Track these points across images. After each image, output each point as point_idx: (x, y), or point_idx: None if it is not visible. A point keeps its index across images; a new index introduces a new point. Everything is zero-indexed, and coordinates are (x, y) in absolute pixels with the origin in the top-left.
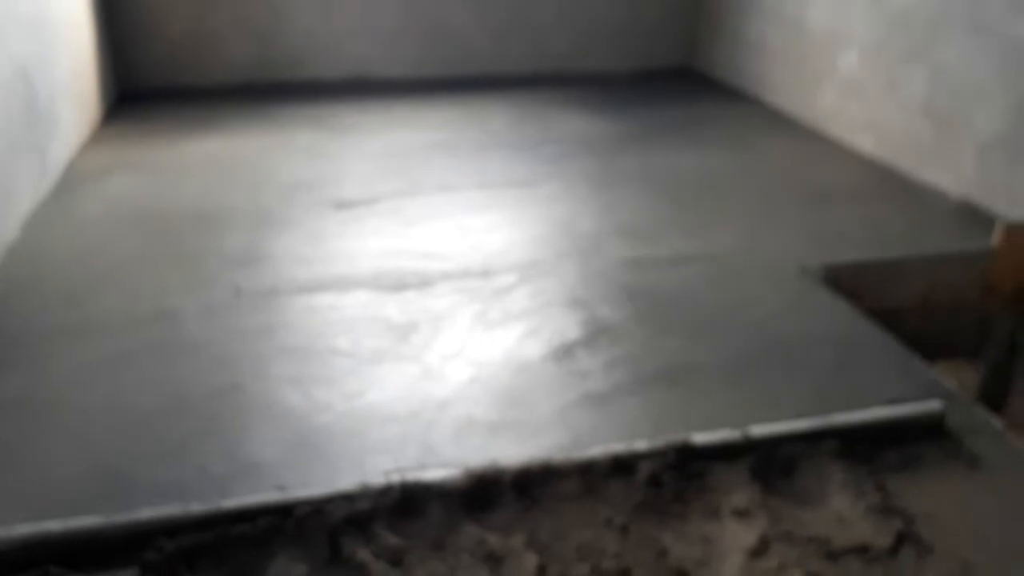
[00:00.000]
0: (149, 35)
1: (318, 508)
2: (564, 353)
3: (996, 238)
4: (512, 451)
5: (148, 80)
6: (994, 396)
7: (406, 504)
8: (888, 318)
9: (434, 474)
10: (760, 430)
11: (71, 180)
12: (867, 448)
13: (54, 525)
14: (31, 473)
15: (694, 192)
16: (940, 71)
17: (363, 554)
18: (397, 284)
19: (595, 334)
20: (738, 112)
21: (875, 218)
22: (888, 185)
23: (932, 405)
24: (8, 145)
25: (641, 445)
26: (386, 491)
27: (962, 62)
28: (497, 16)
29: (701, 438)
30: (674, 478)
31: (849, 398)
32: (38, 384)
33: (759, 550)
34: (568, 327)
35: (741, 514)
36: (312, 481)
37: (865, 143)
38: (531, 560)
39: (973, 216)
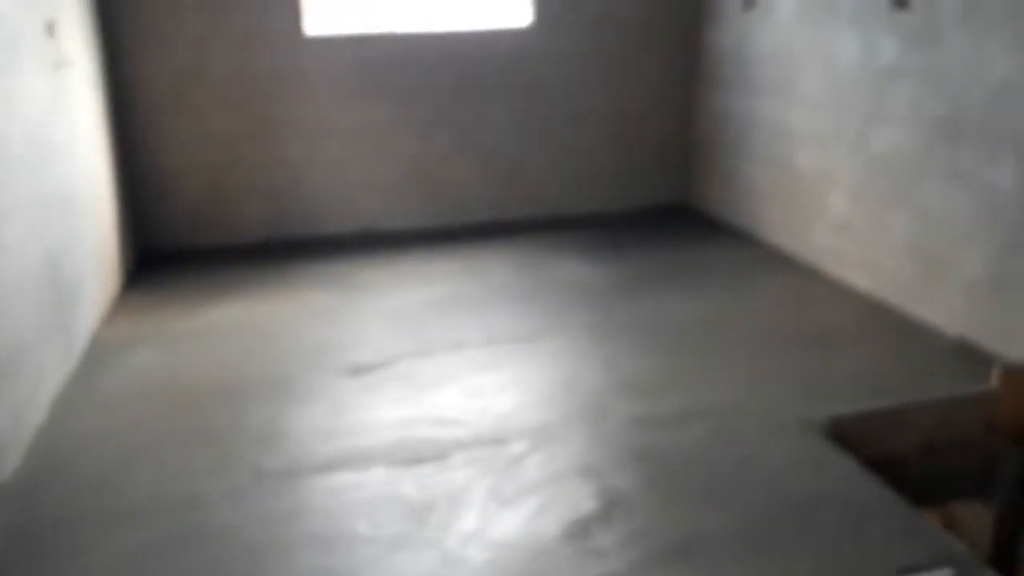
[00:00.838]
0: (167, 198)
1: None
2: (580, 530)
3: (994, 380)
4: None
5: (167, 242)
6: (1008, 533)
7: None
8: (893, 464)
9: None
10: None
11: (95, 354)
12: None
13: None
14: None
15: (692, 340)
16: (923, 214)
17: None
18: (413, 457)
19: (608, 506)
20: (733, 251)
21: (873, 361)
22: (884, 324)
23: (943, 572)
24: (38, 331)
25: None
26: None
27: (943, 205)
28: (496, 167)
29: None
30: None
31: (862, 566)
32: None
33: None
34: (581, 500)
35: None
36: None
37: (860, 281)
38: None
39: (970, 355)
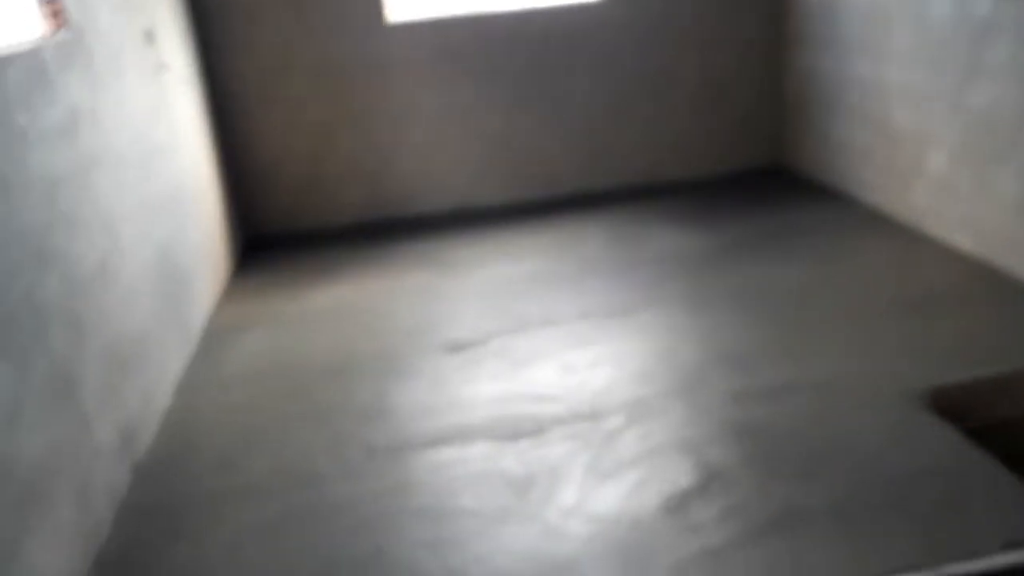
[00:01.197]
0: (268, 187)
1: None
2: (677, 504)
3: None
4: None
5: (270, 228)
6: None
7: None
8: (999, 433)
9: None
10: None
11: (210, 338)
12: None
13: None
14: None
15: (791, 309)
16: None
17: None
18: (513, 432)
19: (706, 481)
20: (830, 213)
21: (978, 327)
22: (990, 286)
23: None
24: (158, 322)
25: None
26: None
27: None
28: (582, 139)
29: None
30: None
31: (964, 541)
32: (203, 554)
33: None
34: (679, 474)
35: None
36: None
37: (963, 241)
38: None
39: None
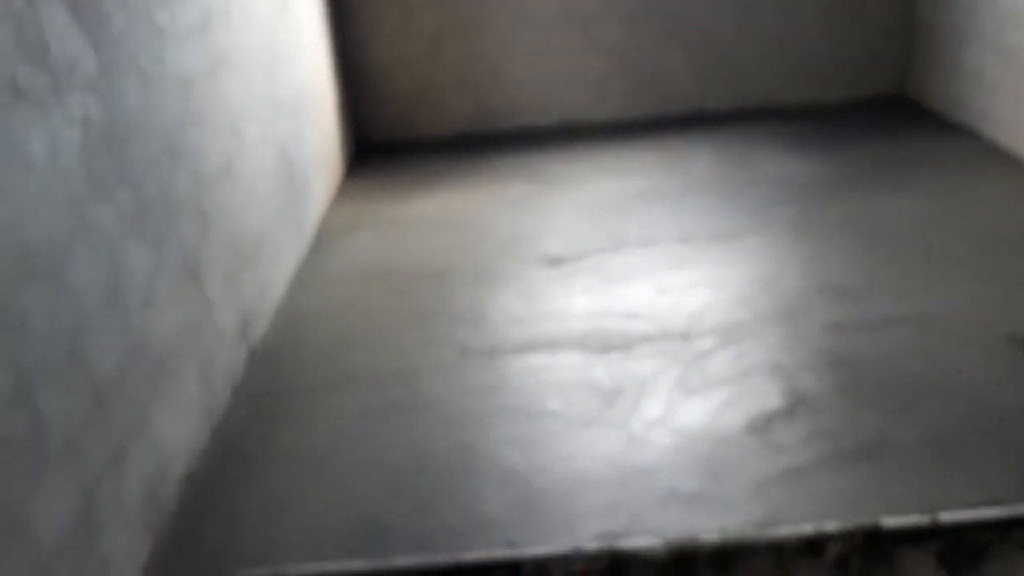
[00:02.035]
0: (381, 93)
1: (541, 566)
2: (763, 424)
3: None
4: (710, 523)
5: (381, 133)
6: None
7: (614, 569)
8: None
9: (638, 543)
10: (950, 516)
11: (322, 238)
12: None
13: (332, 565)
14: (306, 519)
15: (904, 243)
16: None
17: None
18: (603, 346)
19: (794, 405)
20: (954, 148)
21: None
22: None
23: None
24: (276, 221)
25: (831, 526)
26: (597, 556)
27: None
28: (703, 54)
29: (890, 522)
30: (862, 560)
31: None
32: (305, 437)
33: None
34: (768, 397)
35: None
36: (534, 539)
37: None
38: None
39: None
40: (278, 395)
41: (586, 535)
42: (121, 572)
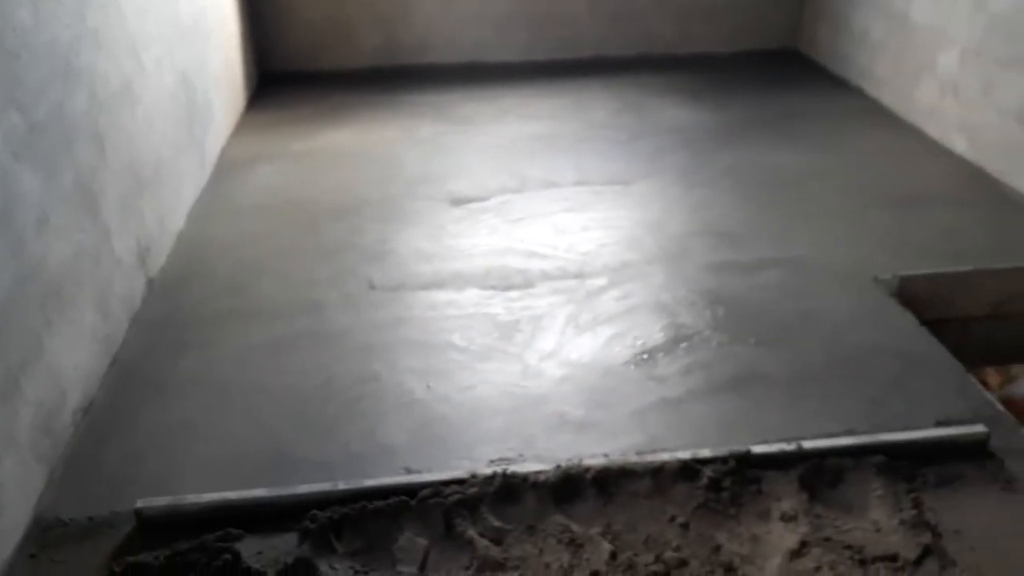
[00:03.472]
0: (288, 22)
1: (436, 491)
2: (646, 359)
3: None
4: (595, 449)
5: (286, 64)
6: None
7: (506, 492)
8: (959, 325)
9: (530, 467)
10: (812, 443)
11: (224, 169)
12: (910, 465)
13: (232, 495)
14: (210, 447)
15: (784, 192)
16: None
17: (471, 532)
18: (504, 283)
19: (675, 340)
20: (837, 103)
21: (960, 226)
22: (979, 191)
23: (976, 429)
24: (176, 147)
25: (706, 452)
26: (491, 480)
27: None
28: (606, 2)
29: (759, 449)
30: (733, 483)
31: (902, 414)
32: (211, 365)
33: (799, 552)
34: (651, 332)
35: (788, 519)
36: (433, 465)
37: (961, 145)
38: (606, 547)
39: None
40: (179, 325)
41: (482, 460)
42: (12, 504)
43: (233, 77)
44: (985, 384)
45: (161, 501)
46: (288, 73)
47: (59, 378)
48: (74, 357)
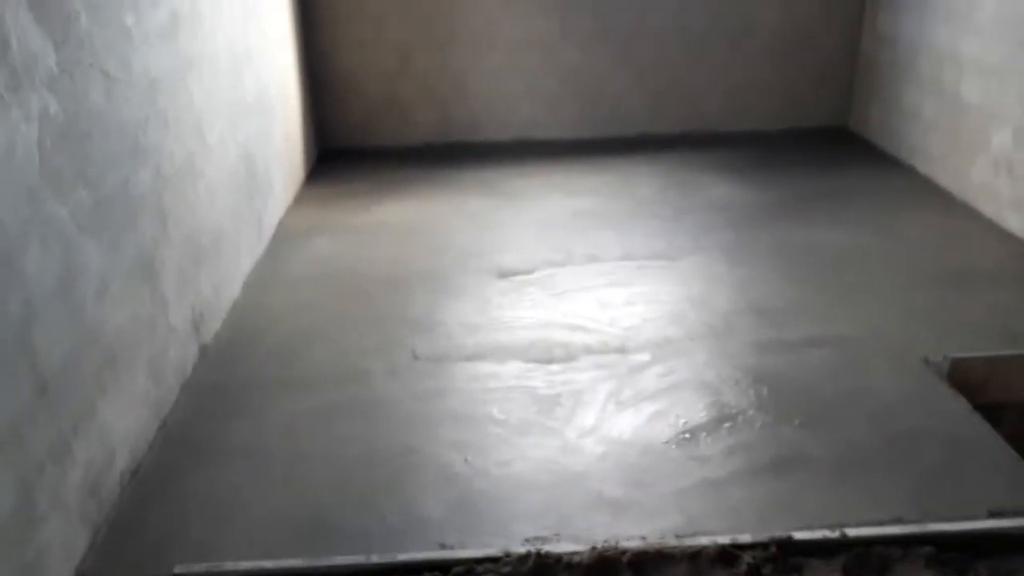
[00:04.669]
0: (346, 101)
1: (470, 568)
2: (688, 438)
3: None
4: (633, 530)
5: (344, 142)
6: None
7: (540, 572)
8: (1015, 411)
9: (565, 548)
10: (857, 531)
11: (280, 240)
12: (962, 558)
13: (269, 564)
14: (252, 514)
15: (831, 271)
16: None
17: None
18: (546, 356)
19: (718, 420)
20: (889, 182)
21: (1011, 306)
22: None
23: None
24: (235, 220)
25: (746, 537)
26: (525, 559)
27: None
28: (654, 79)
29: (801, 535)
30: (773, 570)
31: (951, 504)
32: (256, 431)
33: None
34: (694, 411)
35: None
36: (468, 541)
37: (1013, 222)
38: None
39: None
40: (229, 391)
41: (517, 538)
42: (56, 565)
43: (293, 152)
44: None
45: (199, 567)
46: (346, 149)
47: (109, 441)
48: (125, 421)
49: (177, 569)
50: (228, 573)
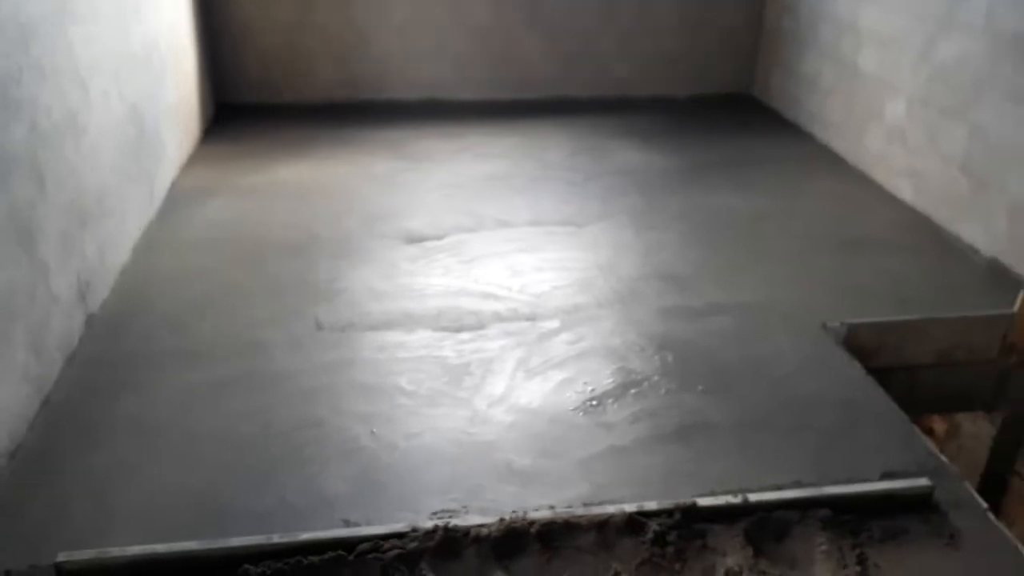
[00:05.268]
0: (243, 55)
1: (375, 545)
2: (595, 405)
3: (1018, 304)
4: (542, 500)
5: (243, 96)
6: (1007, 447)
7: (448, 547)
8: (905, 373)
9: (472, 521)
10: (758, 496)
11: (173, 202)
12: (856, 520)
13: (161, 548)
14: (141, 495)
15: (734, 237)
16: (979, 131)
17: None
18: (455, 325)
19: (624, 386)
20: (789, 148)
21: (905, 273)
22: (923, 237)
23: (921, 482)
24: (123, 180)
25: (652, 505)
26: (432, 534)
27: (1000, 124)
28: (564, 42)
29: (705, 501)
30: (678, 537)
31: (847, 466)
32: (147, 408)
33: None
34: (600, 378)
35: (733, 575)
36: (374, 517)
37: (906, 191)
38: None
39: (1002, 276)
40: (116, 365)
41: (425, 512)
42: None
43: (187, 108)
44: (931, 433)
45: (84, 555)
46: (245, 105)
47: None
48: (2, 398)
49: (60, 557)
50: (116, 559)
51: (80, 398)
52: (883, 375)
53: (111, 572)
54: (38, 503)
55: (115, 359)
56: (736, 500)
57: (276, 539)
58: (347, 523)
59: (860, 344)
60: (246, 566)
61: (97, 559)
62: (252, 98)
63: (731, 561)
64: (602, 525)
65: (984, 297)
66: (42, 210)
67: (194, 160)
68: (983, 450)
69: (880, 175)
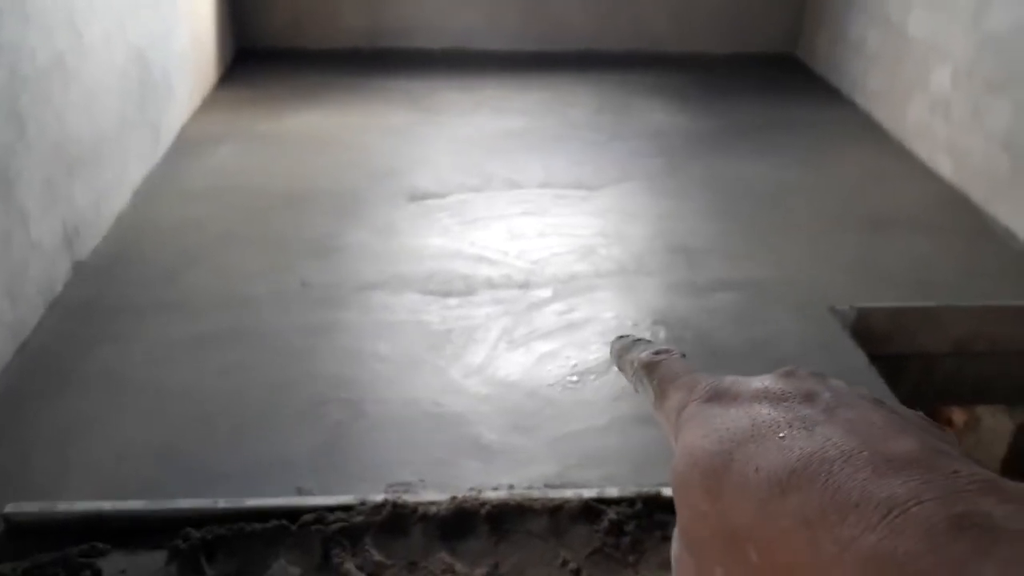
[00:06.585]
0: None
1: (320, 517)
2: (575, 381)
3: None
4: (503, 478)
5: (266, 40)
6: None
7: (394, 523)
8: (920, 361)
9: (422, 497)
10: None
11: (181, 147)
12: None
13: (107, 505)
14: (103, 448)
15: (756, 208)
16: None
17: (348, 565)
18: (444, 289)
19: (609, 363)
20: (827, 115)
21: (935, 255)
22: (959, 217)
23: None
24: (122, 126)
25: (612, 492)
26: (379, 508)
27: None
28: None
29: (670, 491)
30: (636, 528)
31: None
32: (126, 360)
33: None
34: (585, 353)
35: None
36: (329, 486)
37: (946, 167)
38: None
39: None
40: (99, 313)
41: (380, 484)
42: None
43: (202, 52)
44: (950, 423)
45: (31, 507)
46: (268, 50)
47: None
48: None
49: (8, 508)
50: (60, 514)
51: (57, 346)
52: (897, 361)
53: (56, 526)
54: (0, 450)
55: (98, 307)
56: None
57: (222, 504)
58: (300, 491)
59: (870, 329)
60: (188, 529)
61: (43, 512)
62: (275, 43)
63: None
64: (556, 510)
65: (1016, 286)
66: (22, 157)
67: (207, 106)
68: (1002, 445)
69: (920, 149)
